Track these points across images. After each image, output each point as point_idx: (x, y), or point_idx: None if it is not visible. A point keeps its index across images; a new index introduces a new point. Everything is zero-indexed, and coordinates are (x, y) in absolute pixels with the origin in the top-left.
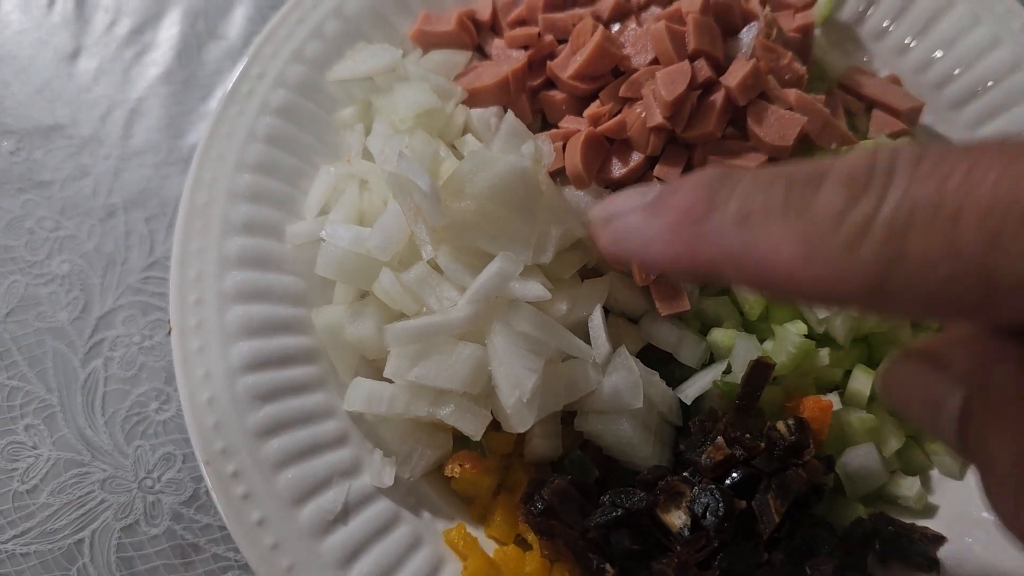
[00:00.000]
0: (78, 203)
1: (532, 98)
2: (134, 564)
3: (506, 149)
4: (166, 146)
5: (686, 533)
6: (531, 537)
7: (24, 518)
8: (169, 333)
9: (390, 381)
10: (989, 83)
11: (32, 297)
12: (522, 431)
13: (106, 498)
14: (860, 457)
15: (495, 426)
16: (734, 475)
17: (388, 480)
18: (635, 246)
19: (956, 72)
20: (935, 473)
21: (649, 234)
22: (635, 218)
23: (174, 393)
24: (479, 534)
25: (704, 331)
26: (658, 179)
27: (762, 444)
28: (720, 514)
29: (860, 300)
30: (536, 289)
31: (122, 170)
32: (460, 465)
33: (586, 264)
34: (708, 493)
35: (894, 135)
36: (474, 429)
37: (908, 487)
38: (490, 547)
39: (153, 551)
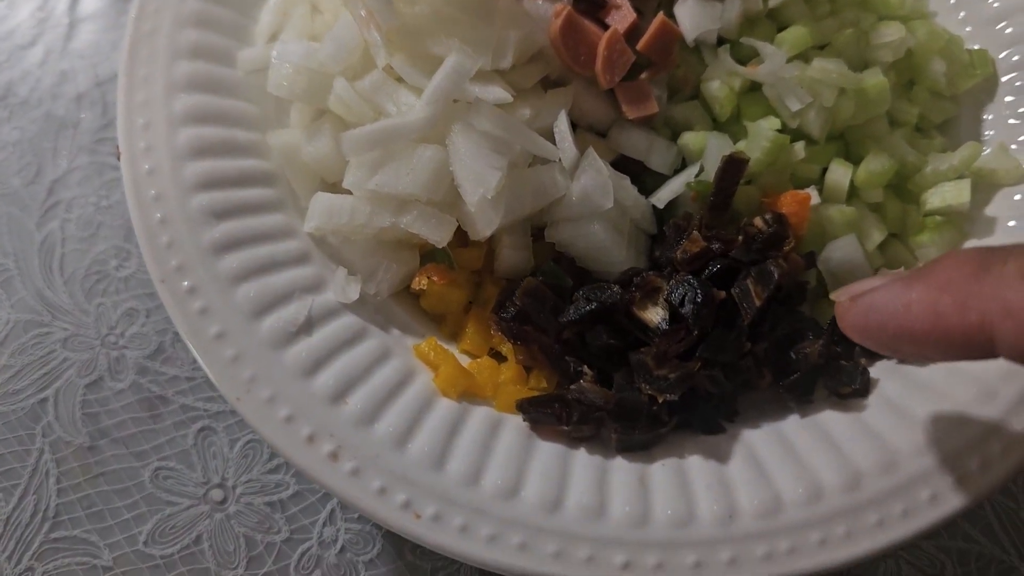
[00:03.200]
0: (27, 71)
1: None
2: (100, 419)
3: None
4: (115, 10)
5: (664, 327)
6: (505, 348)
7: None
8: (119, 157)
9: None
10: None
11: None
12: (488, 234)
13: (69, 356)
14: (842, 249)
15: (463, 241)
16: (711, 267)
17: (353, 295)
18: (892, 311)
19: None
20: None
21: (910, 298)
22: (890, 288)
23: (135, 250)
24: (452, 349)
25: (674, 140)
26: None
27: (740, 238)
28: (698, 301)
29: None
30: (496, 92)
31: (71, 37)
32: (428, 277)
33: (548, 76)
34: (685, 283)
35: None
36: (439, 235)
37: None
38: (463, 363)
39: (119, 405)
